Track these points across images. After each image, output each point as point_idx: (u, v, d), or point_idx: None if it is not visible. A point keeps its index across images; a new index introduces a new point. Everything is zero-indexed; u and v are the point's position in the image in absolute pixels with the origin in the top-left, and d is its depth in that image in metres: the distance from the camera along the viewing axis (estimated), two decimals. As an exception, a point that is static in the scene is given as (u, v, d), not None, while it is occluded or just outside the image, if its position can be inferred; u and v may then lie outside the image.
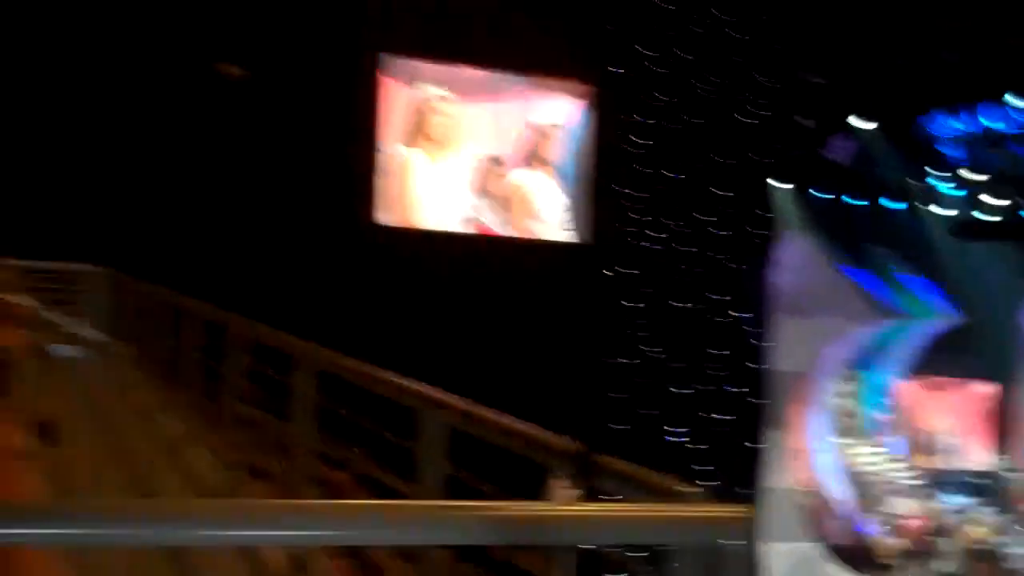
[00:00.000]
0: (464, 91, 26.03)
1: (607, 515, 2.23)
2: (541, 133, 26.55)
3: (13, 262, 15.90)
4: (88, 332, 14.75)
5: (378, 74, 25.02)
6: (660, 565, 2.44)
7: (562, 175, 26.65)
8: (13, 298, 10.21)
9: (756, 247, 23.08)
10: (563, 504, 2.17)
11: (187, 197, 28.95)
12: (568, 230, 26.59)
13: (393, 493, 5.70)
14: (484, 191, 26.23)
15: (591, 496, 2.38)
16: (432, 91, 25.65)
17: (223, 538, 2.04)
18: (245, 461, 7.69)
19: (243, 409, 7.44)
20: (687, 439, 23.12)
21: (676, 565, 2.29)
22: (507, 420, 3.24)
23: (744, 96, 23.19)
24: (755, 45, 23.11)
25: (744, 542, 2.24)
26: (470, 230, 25.98)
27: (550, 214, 26.69)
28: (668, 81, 22.47)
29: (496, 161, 26.36)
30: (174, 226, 28.88)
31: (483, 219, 26.19)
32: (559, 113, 26.58)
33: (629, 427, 22.05)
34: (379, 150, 24.64)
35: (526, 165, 26.42)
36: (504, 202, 26.43)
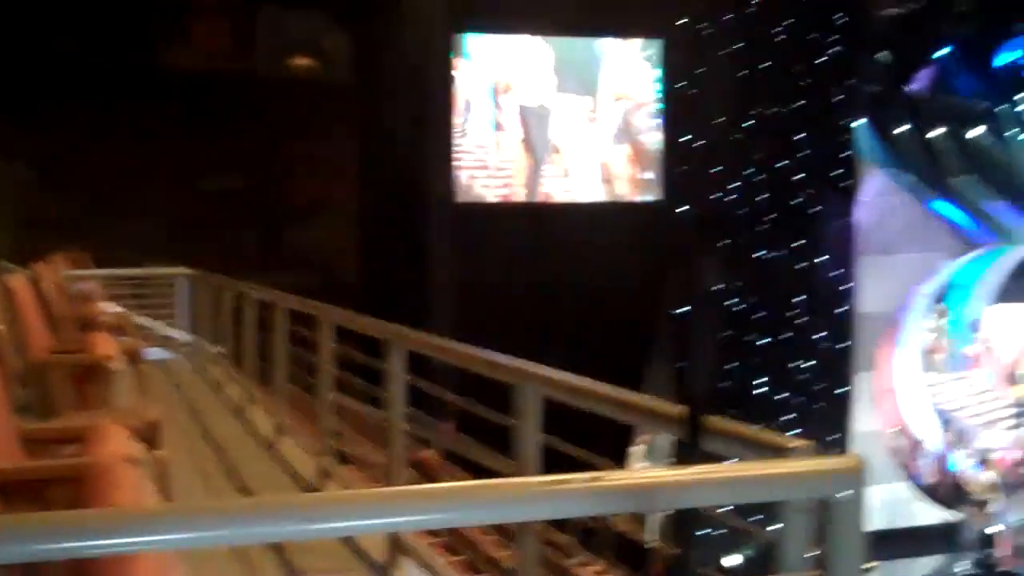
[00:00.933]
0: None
1: (716, 477, 2.21)
2: (618, 98, 26.52)
3: (101, 271, 16.26)
4: (178, 334, 15.03)
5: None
6: (769, 521, 2.42)
7: (640, 135, 26.59)
8: (104, 306, 10.42)
9: (836, 188, 22.80)
10: (671, 468, 2.15)
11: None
12: (646, 189, 26.55)
13: (490, 472, 5.74)
14: (559, 158, 26.26)
15: (699, 457, 2.36)
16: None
17: (323, 531, 2.05)
18: (340, 449, 7.79)
19: (336, 397, 7.52)
20: (776, 388, 22.97)
21: (785, 521, 2.27)
22: (609, 387, 3.22)
23: (817, 33, 22.81)
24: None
25: (854, 494, 2.21)
26: (549, 199, 26.07)
27: (630, 175, 26.66)
28: (740, 24, 22.16)
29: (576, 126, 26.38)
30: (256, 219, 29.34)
31: (558, 187, 26.24)
32: (633, 74, 26.48)
33: (720, 381, 21.98)
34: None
35: (607, 130, 26.40)
36: (585, 167, 26.42)
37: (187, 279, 15.17)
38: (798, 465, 2.37)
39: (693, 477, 2.19)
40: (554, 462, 3.89)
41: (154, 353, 12.48)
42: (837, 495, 2.22)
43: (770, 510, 2.52)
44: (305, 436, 8.24)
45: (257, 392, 10.25)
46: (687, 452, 2.39)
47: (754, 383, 23.03)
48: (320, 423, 7.28)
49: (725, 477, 2.24)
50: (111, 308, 12.77)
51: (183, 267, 16.01)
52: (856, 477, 2.25)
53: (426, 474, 11.52)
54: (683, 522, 2.44)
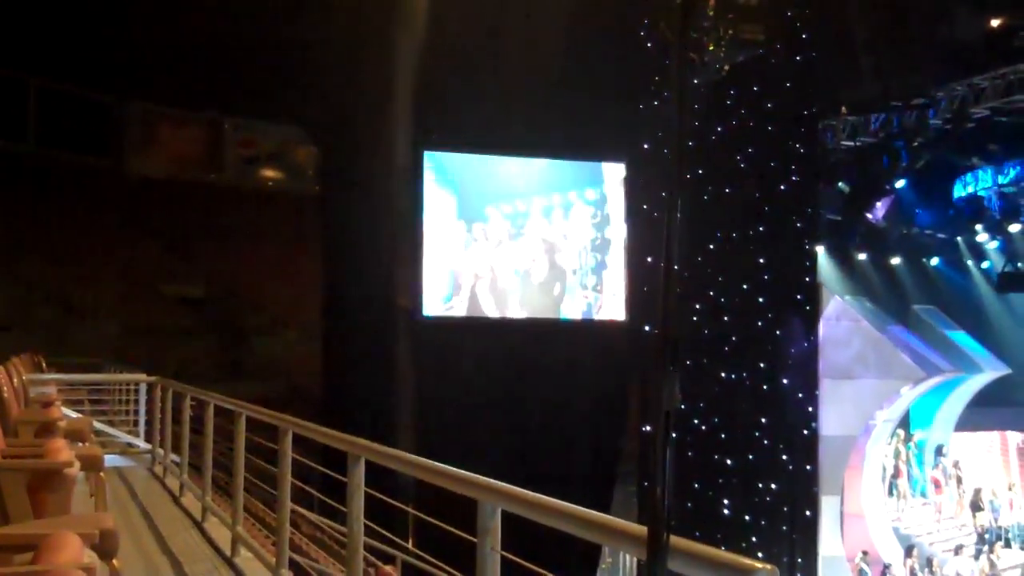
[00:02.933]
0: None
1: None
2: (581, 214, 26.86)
3: (64, 376, 16.10)
4: (137, 441, 14.84)
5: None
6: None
7: (599, 253, 26.84)
8: (63, 411, 10.29)
9: (798, 312, 23.05)
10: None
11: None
12: (611, 309, 26.70)
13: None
14: (528, 276, 26.43)
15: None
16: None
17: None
18: (299, 563, 7.65)
19: (297, 510, 7.42)
20: (741, 510, 22.88)
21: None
22: (571, 506, 3.21)
23: (776, 162, 23.31)
24: (785, 113, 23.26)
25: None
26: (514, 315, 26.18)
27: (590, 294, 26.83)
28: (702, 150, 22.60)
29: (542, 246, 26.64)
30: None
31: (520, 304, 26.37)
32: (596, 193, 26.87)
33: (684, 501, 21.88)
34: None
35: (564, 247, 26.67)
36: (543, 284, 26.61)
37: (147, 386, 15.01)
38: (762, 588, 2.35)
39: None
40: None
41: (112, 460, 12.30)
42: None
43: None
44: (263, 549, 8.10)
45: (215, 503, 10.10)
46: (649, 573, 2.37)
47: (720, 505, 22.95)
48: (278, 535, 7.16)
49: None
50: (70, 413, 12.62)
51: (143, 373, 15.87)
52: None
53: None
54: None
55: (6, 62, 29.10)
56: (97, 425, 13.67)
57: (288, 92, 28.46)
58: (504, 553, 3.92)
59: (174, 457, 12.63)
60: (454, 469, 4.16)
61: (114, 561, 4.33)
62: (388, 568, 12.26)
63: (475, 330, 25.54)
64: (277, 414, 7.34)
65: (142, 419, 15.15)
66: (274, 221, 30.91)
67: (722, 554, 2.56)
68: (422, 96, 25.19)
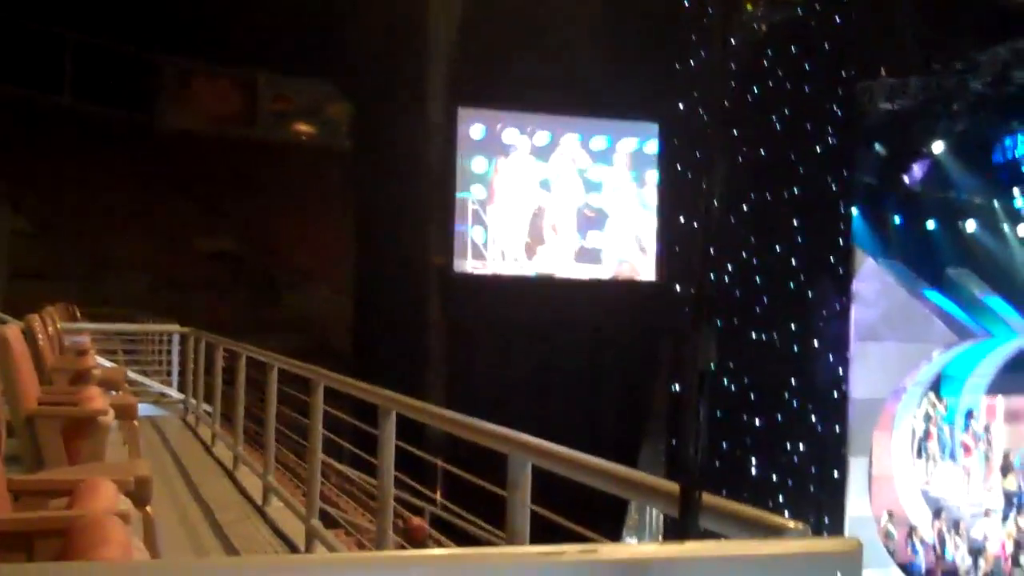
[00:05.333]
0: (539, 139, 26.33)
1: (710, 554, 2.19)
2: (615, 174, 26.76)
3: (95, 325, 16.25)
4: (170, 391, 14.99)
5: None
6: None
7: (633, 213, 26.77)
8: (97, 360, 10.40)
9: (832, 275, 22.94)
10: (665, 544, 2.14)
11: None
12: (645, 269, 26.67)
13: (476, 538, 5.70)
14: (557, 234, 26.41)
15: (692, 535, 2.34)
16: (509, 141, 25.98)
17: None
18: (329, 513, 7.73)
19: (327, 461, 7.48)
20: (769, 470, 22.91)
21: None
22: (602, 461, 3.21)
23: (813, 124, 23.11)
24: (823, 74, 23.02)
25: (850, 574, 2.19)
26: (546, 273, 26.17)
27: (628, 253, 26.79)
28: (738, 112, 22.43)
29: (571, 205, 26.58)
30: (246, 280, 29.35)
31: (552, 262, 26.36)
32: (631, 153, 26.75)
33: (712, 460, 21.92)
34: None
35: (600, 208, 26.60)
36: (576, 243, 26.58)
37: (180, 336, 15.14)
38: (796, 545, 2.34)
39: (690, 553, 2.18)
40: (549, 537, 3.87)
41: (145, 409, 12.43)
42: (834, 576, 2.20)
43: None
44: (294, 498, 8.18)
45: (247, 452, 10.20)
46: (681, 529, 2.37)
47: (748, 464, 22.99)
48: (309, 486, 7.23)
49: (722, 555, 2.23)
50: (104, 362, 12.75)
51: (176, 324, 16.00)
52: (854, 559, 2.23)
53: (416, 541, 11.44)
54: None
55: (44, 17, 29.22)
56: (131, 375, 13.81)
57: (322, 47, 28.41)
58: (534, 507, 3.94)
59: (206, 407, 12.77)
60: (485, 423, 4.17)
61: (148, 508, 4.38)
62: (417, 520, 12.41)
63: (506, 287, 25.59)
64: (309, 366, 7.39)
65: (175, 369, 15.30)
66: (307, 177, 30.94)
67: (754, 511, 2.56)
68: (457, 52, 25.10)
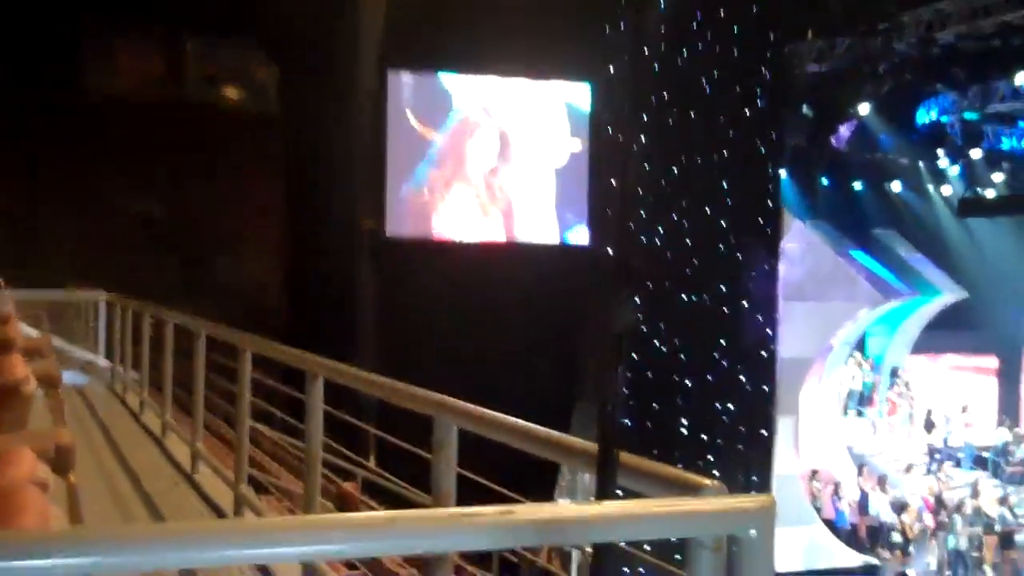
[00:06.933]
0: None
1: (626, 513, 2.23)
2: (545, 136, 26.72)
3: (19, 291, 15.95)
4: (96, 359, 14.79)
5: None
6: (679, 559, 2.44)
7: (564, 176, 26.78)
8: (23, 329, 10.22)
9: (763, 238, 23.18)
10: (583, 504, 2.17)
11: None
12: (573, 231, 26.73)
13: (405, 501, 5.73)
14: (492, 198, 26.36)
15: (611, 494, 2.38)
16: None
17: (237, 557, 2.03)
18: (259, 480, 7.71)
19: (255, 427, 7.46)
20: (698, 430, 23.19)
21: (695, 558, 2.30)
22: (524, 423, 3.25)
23: (741, 86, 23.25)
24: (751, 37, 23.15)
25: (763, 533, 2.24)
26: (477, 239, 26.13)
27: (552, 216, 26.81)
28: (666, 74, 22.49)
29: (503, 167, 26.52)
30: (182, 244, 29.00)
31: (489, 227, 26.32)
32: (562, 113, 26.72)
33: (643, 421, 22.14)
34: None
35: (530, 168, 26.57)
36: (508, 208, 26.55)
37: (106, 304, 14.93)
38: (709, 503, 2.39)
39: (602, 512, 2.21)
40: (485, 502, 3.89)
41: (72, 378, 12.27)
42: (748, 533, 2.25)
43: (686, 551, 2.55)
44: (223, 465, 8.14)
45: (175, 420, 10.12)
46: (599, 488, 2.41)
47: (679, 425, 23.24)
48: (237, 452, 7.20)
49: (635, 513, 2.27)
50: (28, 331, 12.53)
51: (103, 292, 15.77)
52: (766, 515, 2.27)
53: (347, 506, 11.44)
54: (599, 561, 2.45)
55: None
56: (56, 343, 13.60)
57: (249, 9, 27.97)
58: (460, 470, 3.97)
59: (134, 375, 12.63)
60: (409, 386, 4.18)
61: (71, 476, 4.33)
62: (348, 486, 12.40)
63: (440, 251, 25.53)
64: (236, 332, 7.34)
65: (102, 337, 15.11)
66: (236, 141, 30.51)
67: (671, 470, 2.59)
68: (387, 14, 24.85)
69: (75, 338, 16.08)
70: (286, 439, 9.18)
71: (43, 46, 30.66)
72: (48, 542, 1.87)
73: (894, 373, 26.77)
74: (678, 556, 2.49)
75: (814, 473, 23.51)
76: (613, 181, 23.84)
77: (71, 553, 1.81)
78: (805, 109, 24.88)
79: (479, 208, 26.19)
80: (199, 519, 7.07)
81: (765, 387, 23.09)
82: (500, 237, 26.33)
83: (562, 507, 2.17)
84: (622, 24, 23.18)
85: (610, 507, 2.25)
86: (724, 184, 23.28)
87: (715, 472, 22.94)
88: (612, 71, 23.85)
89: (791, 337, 23.44)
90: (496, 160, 26.27)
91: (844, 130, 25.44)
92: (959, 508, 22.74)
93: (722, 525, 2.30)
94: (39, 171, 28.13)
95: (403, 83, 25.71)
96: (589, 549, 2.73)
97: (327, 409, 5.62)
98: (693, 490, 2.48)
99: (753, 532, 2.25)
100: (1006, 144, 25.02)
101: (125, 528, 2.80)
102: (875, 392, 26.63)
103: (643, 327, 22.81)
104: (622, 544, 2.52)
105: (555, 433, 3.09)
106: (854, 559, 22.83)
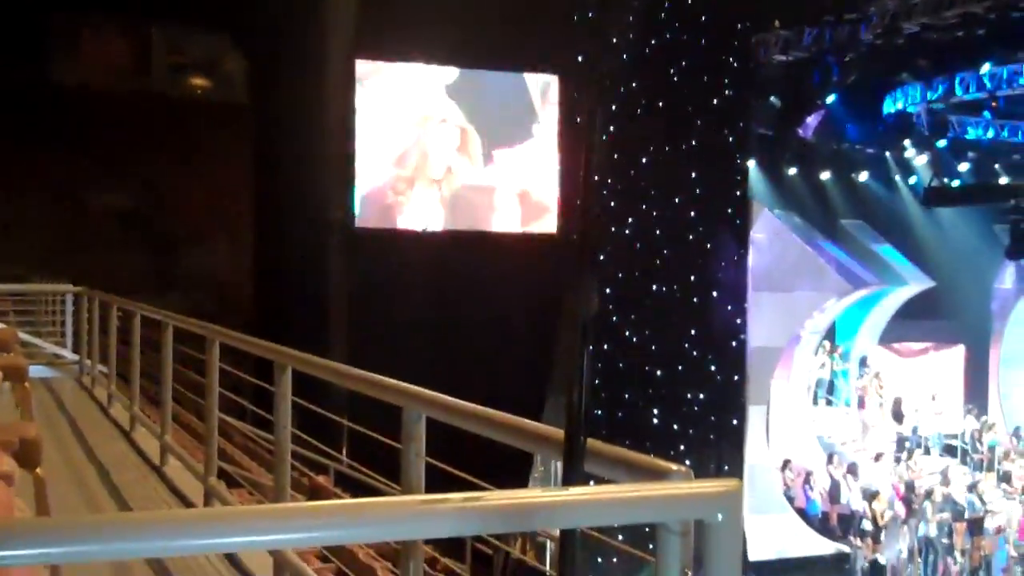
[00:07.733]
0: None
1: (592, 498, 2.24)
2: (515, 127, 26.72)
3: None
4: (64, 352, 14.69)
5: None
6: (647, 544, 2.46)
7: (533, 167, 26.78)
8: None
9: (732, 228, 23.28)
10: (548, 490, 2.18)
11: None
12: (543, 221, 26.74)
13: (376, 492, 5.73)
14: (459, 189, 26.33)
15: (578, 480, 2.39)
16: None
17: (206, 547, 2.02)
18: (228, 472, 7.68)
19: (225, 420, 7.44)
20: (669, 419, 23.28)
21: (663, 543, 2.31)
22: (491, 411, 3.25)
23: (713, 76, 23.32)
24: (719, 27, 23.22)
25: (729, 517, 2.25)
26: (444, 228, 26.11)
27: (519, 207, 26.81)
28: (634, 68, 22.54)
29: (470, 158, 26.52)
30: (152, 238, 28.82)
31: (456, 217, 26.30)
32: (529, 106, 26.72)
33: (614, 411, 22.22)
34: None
35: (495, 160, 26.56)
36: (474, 199, 26.53)
37: (73, 296, 14.83)
38: (675, 487, 2.40)
39: (568, 498, 2.22)
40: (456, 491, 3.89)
41: (39, 371, 12.19)
42: (714, 518, 2.26)
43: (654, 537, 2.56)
44: (192, 458, 8.11)
45: (143, 412, 10.07)
46: (566, 474, 2.42)
47: (650, 415, 23.32)
48: (207, 444, 7.17)
49: (601, 498, 2.28)
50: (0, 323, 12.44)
51: (69, 284, 15.66)
52: (733, 499, 2.29)
53: (319, 499, 11.41)
54: (565, 547, 2.46)
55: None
56: (23, 336, 13.50)
57: (217, -1, 27.82)
58: (430, 460, 3.97)
59: (102, 368, 12.56)
60: (377, 376, 4.18)
61: (37, 470, 4.31)
62: (320, 479, 12.38)
63: (409, 241, 25.48)
64: (203, 324, 7.31)
65: (69, 330, 15.00)
66: (205, 131, 30.33)
67: (638, 456, 2.60)
68: (354, 4, 24.76)
69: (42, 331, 15.96)
70: (256, 432, 9.15)
71: (9, 36, 30.34)
72: (13, 532, 1.85)
73: (863, 362, 26.91)
74: (652, 545, 2.51)
75: (786, 462, 23.65)
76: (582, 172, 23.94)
77: (38, 543, 1.79)
78: (773, 99, 24.96)
79: (447, 199, 26.15)
80: (165, 509, 7.05)
81: (735, 376, 23.20)
82: (469, 227, 26.30)
83: (528, 493, 2.18)
84: (590, 14, 23.20)
85: (576, 493, 2.26)
86: (692, 174, 23.35)
87: (687, 462, 22.99)
88: (580, 60, 23.85)
89: (760, 327, 23.55)
90: (464, 150, 26.23)
91: (811, 120, 25.54)
92: (929, 495, 22.94)
93: (688, 510, 2.31)
94: (6, 163, 27.86)
95: (372, 73, 25.62)
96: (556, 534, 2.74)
97: (298, 401, 5.61)
98: (660, 476, 2.49)
99: (720, 516, 2.26)
100: (972, 134, 25.21)
101: (92, 517, 2.79)
102: (844, 381, 26.79)
103: (613, 317, 22.88)
104: (593, 532, 2.54)
105: (523, 420, 3.10)
106: (826, 547, 22.99)
